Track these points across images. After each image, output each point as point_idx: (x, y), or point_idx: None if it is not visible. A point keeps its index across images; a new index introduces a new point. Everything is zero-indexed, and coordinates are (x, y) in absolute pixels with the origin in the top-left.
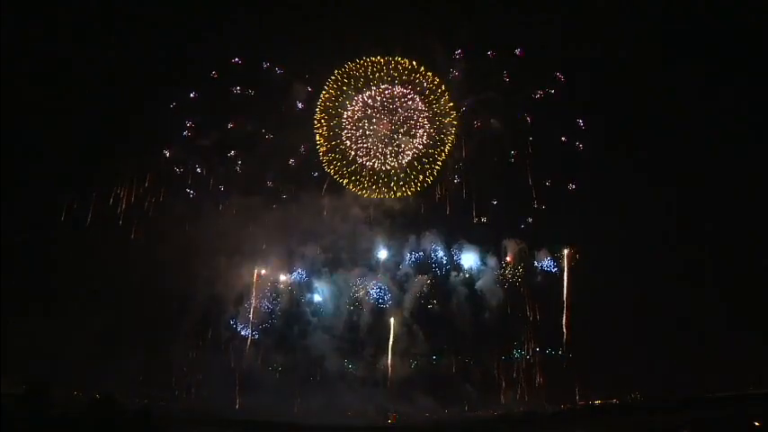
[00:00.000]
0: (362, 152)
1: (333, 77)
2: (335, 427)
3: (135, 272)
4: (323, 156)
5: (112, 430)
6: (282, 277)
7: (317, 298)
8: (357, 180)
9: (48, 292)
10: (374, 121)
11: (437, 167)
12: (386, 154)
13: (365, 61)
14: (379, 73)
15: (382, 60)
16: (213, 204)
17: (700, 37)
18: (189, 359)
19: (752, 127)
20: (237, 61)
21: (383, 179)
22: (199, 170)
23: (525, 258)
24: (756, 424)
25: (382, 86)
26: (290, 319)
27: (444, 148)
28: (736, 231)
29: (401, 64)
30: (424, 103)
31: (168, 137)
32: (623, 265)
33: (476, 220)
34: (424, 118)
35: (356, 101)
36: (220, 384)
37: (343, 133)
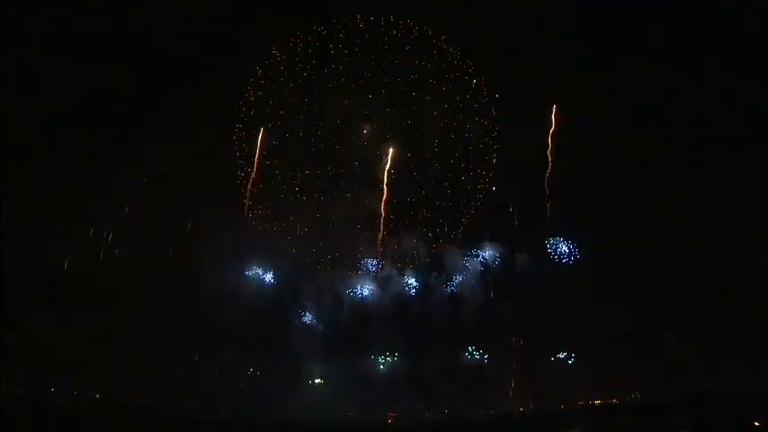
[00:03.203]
0: None
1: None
2: (336, 426)
3: (133, 274)
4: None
5: (112, 430)
6: (268, 277)
7: (302, 298)
8: None
9: (48, 292)
10: None
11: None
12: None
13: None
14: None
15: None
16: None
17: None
18: (188, 359)
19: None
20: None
21: None
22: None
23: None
24: (756, 424)
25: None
26: (277, 318)
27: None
28: (737, 230)
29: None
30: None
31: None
32: (621, 264)
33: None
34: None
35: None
36: (218, 385)
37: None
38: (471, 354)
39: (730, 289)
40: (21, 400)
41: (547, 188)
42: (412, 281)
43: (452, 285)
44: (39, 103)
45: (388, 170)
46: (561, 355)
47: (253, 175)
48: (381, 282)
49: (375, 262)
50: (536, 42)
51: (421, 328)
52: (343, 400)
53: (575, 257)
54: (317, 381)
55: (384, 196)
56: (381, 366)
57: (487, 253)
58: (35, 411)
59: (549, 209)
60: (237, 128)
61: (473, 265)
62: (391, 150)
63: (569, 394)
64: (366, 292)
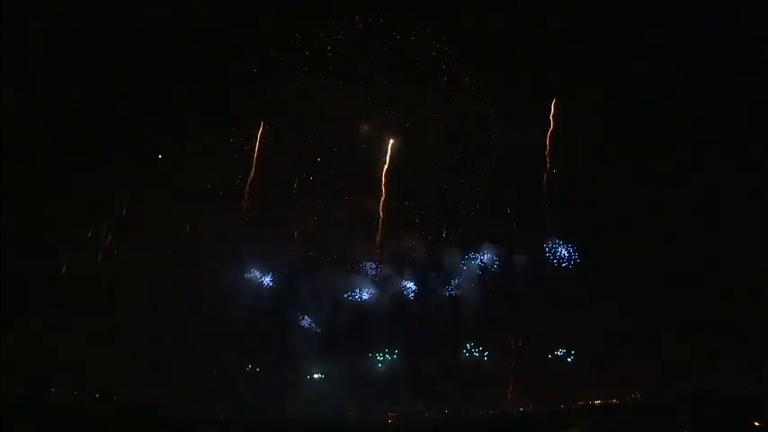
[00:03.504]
0: None
1: None
2: (336, 426)
3: (133, 274)
4: None
5: (112, 430)
6: (267, 279)
7: (301, 299)
8: None
9: (48, 292)
10: None
11: None
12: None
13: None
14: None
15: None
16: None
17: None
18: (188, 359)
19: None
20: None
21: None
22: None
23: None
24: (756, 424)
25: None
26: (276, 319)
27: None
28: (737, 230)
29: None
30: None
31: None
32: (621, 264)
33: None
34: None
35: None
36: (218, 385)
37: None
38: (470, 351)
39: (730, 289)
40: (21, 400)
41: (546, 189)
42: (411, 284)
43: (451, 287)
44: (39, 103)
45: (387, 171)
46: (560, 353)
47: (252, 175)
48: (380, 282)
49: (374, 265)
50: (536, 42)
51: (420, 328)
52: (343, 400)
53: (574, 261)
54: (315, 376)
55: (383, 197)
56: (380, 365)
57: (486, 255)
58: (35, 411)
59: (547, 210)
60: (237, 128)
61: (472, 266)
62: (390, 150)
63: (569, 394)
64: (366, 296)
